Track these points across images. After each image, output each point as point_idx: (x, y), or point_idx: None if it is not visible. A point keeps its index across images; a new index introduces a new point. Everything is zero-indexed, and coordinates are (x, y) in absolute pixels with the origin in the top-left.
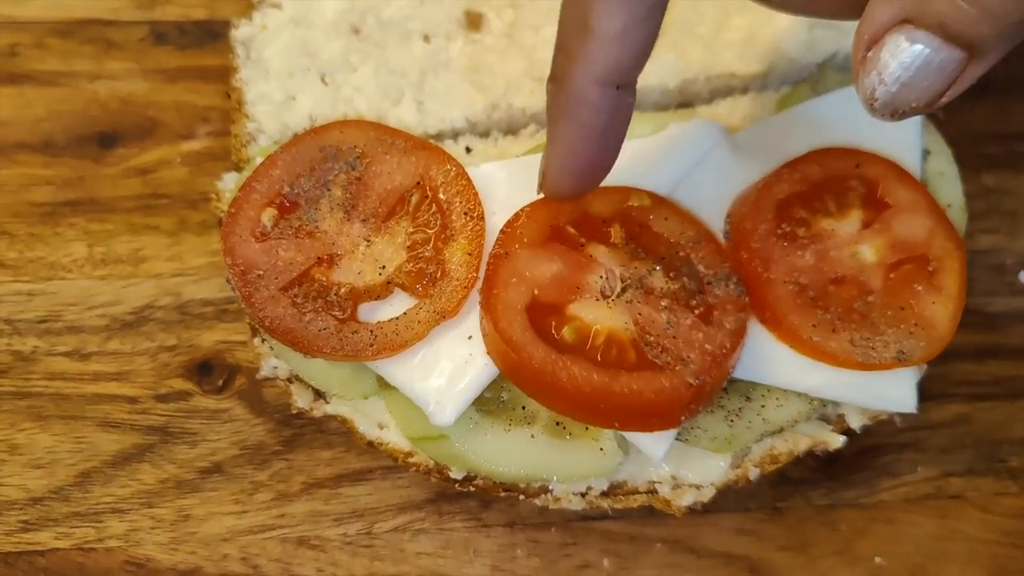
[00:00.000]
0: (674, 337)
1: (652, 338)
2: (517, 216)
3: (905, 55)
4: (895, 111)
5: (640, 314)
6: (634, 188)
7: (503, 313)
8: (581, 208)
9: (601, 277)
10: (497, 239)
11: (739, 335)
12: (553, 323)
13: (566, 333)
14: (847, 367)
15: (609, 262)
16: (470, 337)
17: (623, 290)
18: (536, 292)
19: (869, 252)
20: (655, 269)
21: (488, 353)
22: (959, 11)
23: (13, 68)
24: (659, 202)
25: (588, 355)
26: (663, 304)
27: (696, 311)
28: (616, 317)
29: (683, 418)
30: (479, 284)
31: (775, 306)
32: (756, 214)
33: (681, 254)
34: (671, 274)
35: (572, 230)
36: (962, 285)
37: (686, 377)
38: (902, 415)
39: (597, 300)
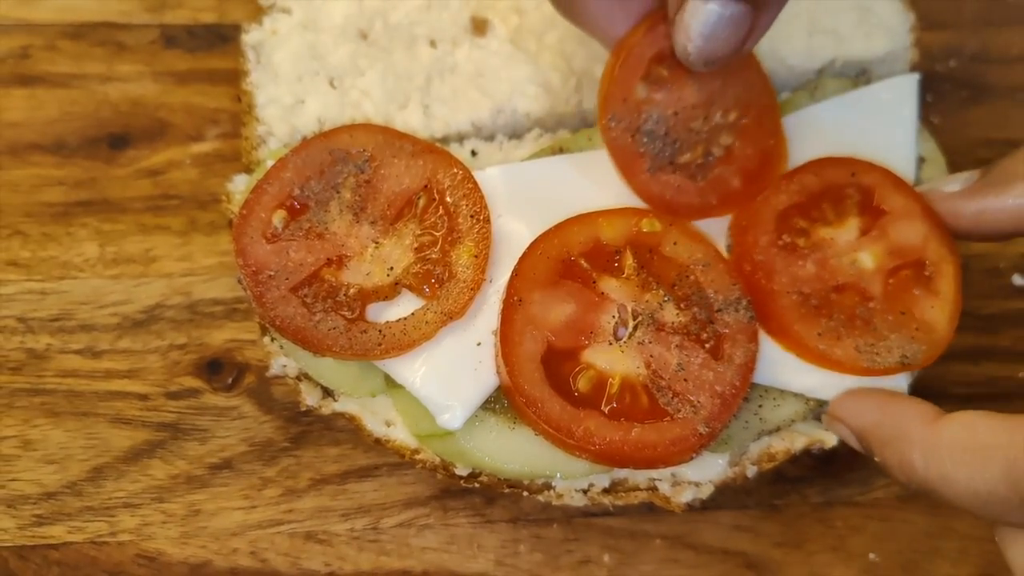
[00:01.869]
0: (685, 380)
1: (663, 382)
2: (530, 252)
3: (702, 14)
4: (707, 61)
5: (652, 356)
6: (646, 211)
7: (520, 367)
8: (593, 236)
9: (613, 317)
10: (510, 282)
11: (748, 369)
12: (569, 371)
13: (581, 384)
14: (853, 373)
15: (621, 297)
16: (479, 344)
17: (635, 328)
18: (551, 338)
19: (868, 259)
20: (666, 300)
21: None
22: None
23: (25, 70)
24: (669, 226)
25: (604, 403)
26: (674, 342)
27: (707, 345)
28: (628, 362)
29: (692, 458)
30: (486, 285)
31: (780, 316)
32: (757, 226)
33: (691, 278)
34: (682, 304)
35: (584, 263)
36: (958, 288)
37: (696, 425)
38: None
39: (610, 344)
